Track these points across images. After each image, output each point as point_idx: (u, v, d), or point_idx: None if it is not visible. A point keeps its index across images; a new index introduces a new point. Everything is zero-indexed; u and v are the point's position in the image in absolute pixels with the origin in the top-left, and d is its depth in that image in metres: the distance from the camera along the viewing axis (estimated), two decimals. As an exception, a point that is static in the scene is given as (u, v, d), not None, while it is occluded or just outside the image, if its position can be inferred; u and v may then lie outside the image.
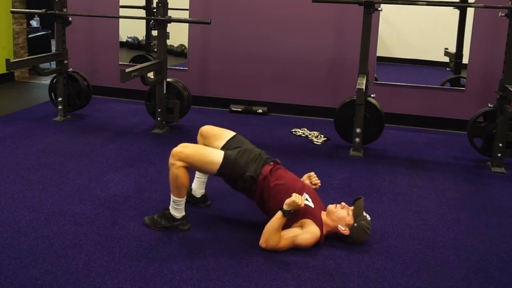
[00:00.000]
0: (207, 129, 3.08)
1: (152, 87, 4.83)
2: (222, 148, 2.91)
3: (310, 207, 2.75)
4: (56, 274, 2.40)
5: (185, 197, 2.84)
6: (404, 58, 5.75)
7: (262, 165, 2.81)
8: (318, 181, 3.02)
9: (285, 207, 2.63)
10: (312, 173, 3.05)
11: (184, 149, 2.73)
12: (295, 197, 2.62)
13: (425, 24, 5.43)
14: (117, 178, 3.61)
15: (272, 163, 2.86)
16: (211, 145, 2.99)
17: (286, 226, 2.70)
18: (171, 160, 2.74)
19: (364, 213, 2.79)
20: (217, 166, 2.73)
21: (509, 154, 4.10)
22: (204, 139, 3.06)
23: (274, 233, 2.64)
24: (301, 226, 2.72)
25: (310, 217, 2.72)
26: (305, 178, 3.05)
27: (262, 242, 2.68)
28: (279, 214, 2.64)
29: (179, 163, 2.70)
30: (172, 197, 2.82)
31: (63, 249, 2.62)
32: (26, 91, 6.60)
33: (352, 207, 2.79)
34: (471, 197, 3.56)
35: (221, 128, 3.10)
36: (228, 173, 2.76)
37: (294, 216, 2.69)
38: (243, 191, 2.86)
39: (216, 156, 2.76)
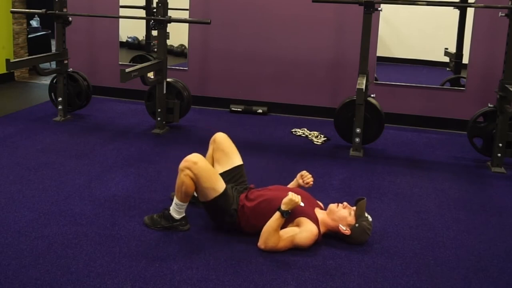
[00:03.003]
0: (222, 140, 3.11)
1: (152, 87, 4.83)
2: (221, 174, 2.94)
3: (301, 206, 2.75)
4: (56, 274, 2.40)
5: (188, 202, 2.84)
6: (404, 58, 5.76)
7: (238, 197, 2.86)
8: (311, 179, 3.01)
9: (282, 207, 2.62)
10: (304, 172, 3.05)
11: (199, 161, 2.74)
12: (291, 195, 2.62)
13: (425, 24, 5.43)
14: (117, 178, 3.61)
15: (244, 191, 2.91)
16: (218, 161, 3.06)
17: (282, 227, 2.70)
18: (182, 166, 2.74)
19: (366, 214, 2.79)
20: (216, 194, 2.76)
21: (509, 154, 4.10)
22: (215, 148, 3.11)
23: (273, 234, 2.64)
24: (298, 225, 2.72)
25: (303, 215, 2.72)
26: (298, 178, 3.05)
27: (261, 244, 2.67)
28: (277, 215, 2.64)
29: (188, 172, 2.71)
30: (175, 200, 2.82)
31: (63, 249, 2.62)
32: (26, 91, 6.60)
33: (354, 208, 2.79)
34: (471, 197, 3.56)
35: (233, 149, 3.11)
36: (220, 204, 2.79)
37: (289, 217, 2.69)
38: (230, 227, 2.86)
39: (220, 185, 2.79)
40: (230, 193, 2.84)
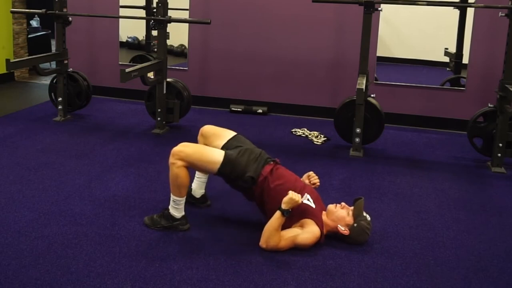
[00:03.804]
0: (208, 129, 3.09)
1: (152, 87, 4.83)
2: (222, 148, 2.91)
3: (311, 207, 2.75)
4: (56, 274, 2.40)
5: (185, 197, 2.84)
6: (404, 58, 5.76)
7: (262, 166, 2.81)
8: (317, 180, 3.01)
9: (283, 206, 2.62)
10: (311, 173, 3.05)
11: (184, 148, 2.74)
12: (291, 194, 2.62)
13: (425, 24, 5.43)
14: (117, 178, 3.61)
15: (272, 162, 2.86)
16: (212, 144, 2.99)
17: (286, 226, 2.70)
18: (171, 160, 2.74)
19: (364, 214, 2.79)
20: (218, 165, 2.73)
21: (509, 154, 4.10)
22: (204, 138, 3.06)
23: (274, 233, 2.64)
24: (302, 226, 2.72)
25: (310, 217, 2.72)
26: (304, 178, 3.04)
27: (262, 243, 2.67)
28: (278, 213, 2.64)
29: (180, 163, 2.71)
30: (172, 197, 2.82)
31: (63, 249, 2.62)
32: (26, 91, 6.60)
33: (352, 207, 2.79)
34: (471, 197, 3.56)
35: (222, 128, 3.10)
36: (228, 172, 2.75)
37: (295, 216, 2.69)
38: (243, 191, 2.87)
39: (216, 155, 2.76)
40: (240, 160, 2.76)
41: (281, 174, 2.82)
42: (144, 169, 3.82)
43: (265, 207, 2.79)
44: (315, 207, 2.77)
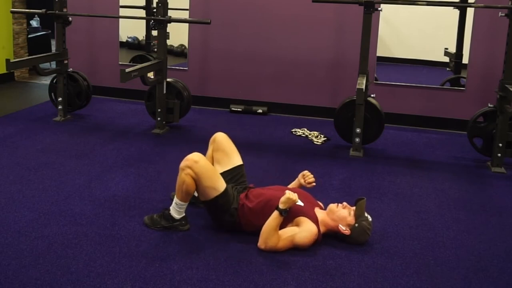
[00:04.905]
0: (222, 141, 3.11)
1: (152, 87, 4.83)
2: (221, 173, 2.95)
3: (300, 205, 2.75)
4: (56, 274, 2.40)
5: (188, 202, 2.84)
6: (404, 58, 5.76)
7: (238, 196, 2.87)
8: (312, 179, 3.00)
9: (280, 205, 2.63)
10: (306, 172, 3.04)
11: (200, 160, 2.75)
12: (288, 193, 2.63)
13: (425, 24, 5.44)
14: (117, 178, 3.61)
15: (244, 191, 2.92)
16: (218, 161, 3.06)
17: (281, 227, 2.70)
18: (182, 165, 2.75)
19: (366, 214, 2.79)
20: (217, 193, 2.77)
21: (509, 154, 4.10)
22: (215, 146, 3.10)
23: (273, 233, 2.64)
24: (297, 225, 2.72)
25: (303, 214, 2.73)
26: (299, 177, 3.05)
27: (261, 244, 2.68)
28: (275, 213, 2.64)
29: (189, 171, 2.71)
30: (176, 199, 2.82)
31: (63, 249, 2.62)
32: (26, 91, 6.60)
33: (354, 207, 2.79)
34: (471, 197, 3.56)
35: (234, 149, 3.12)
36: (221, 203, 2.79)
37: (288, 217, 2.69)
38: (231, 226, 2.86)
39: (221, 184, 2.80)
40: (231, 192, 2.85)
41: (256, 194, 2.87)
42: (144, 169, 3.82)
43: (257, 226, 2.76)
44: (304, 204, 2.77)
